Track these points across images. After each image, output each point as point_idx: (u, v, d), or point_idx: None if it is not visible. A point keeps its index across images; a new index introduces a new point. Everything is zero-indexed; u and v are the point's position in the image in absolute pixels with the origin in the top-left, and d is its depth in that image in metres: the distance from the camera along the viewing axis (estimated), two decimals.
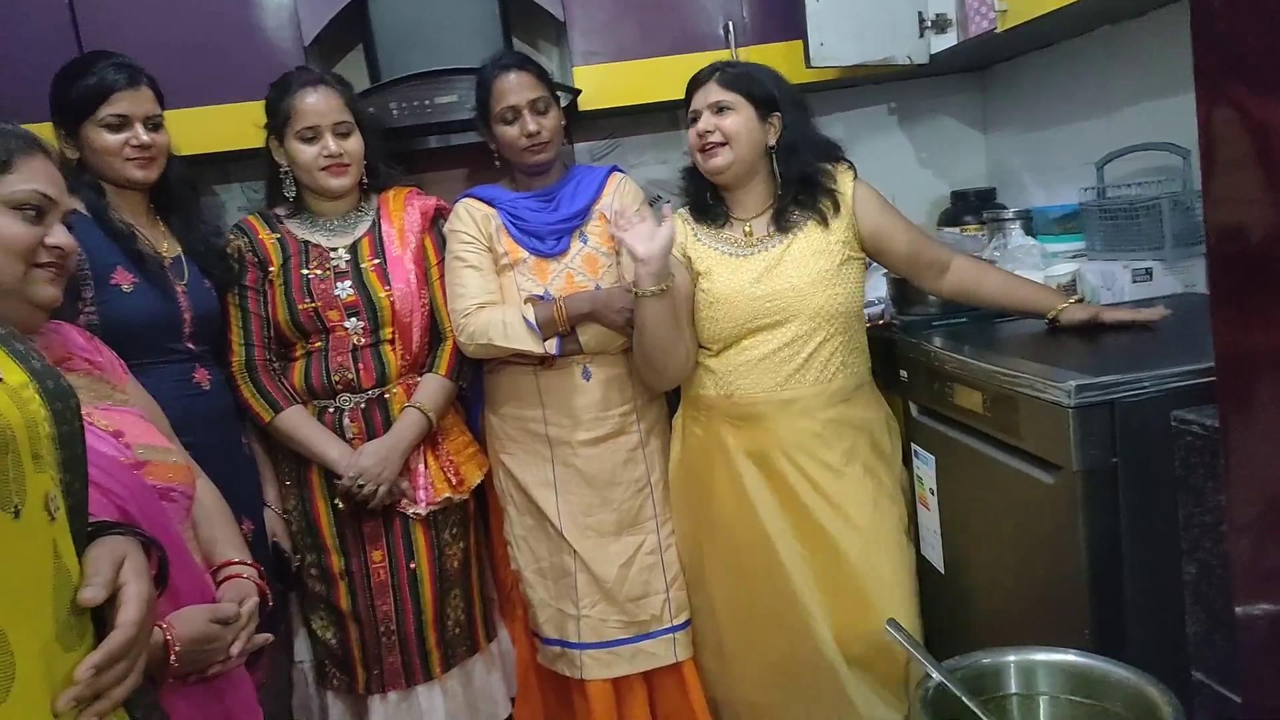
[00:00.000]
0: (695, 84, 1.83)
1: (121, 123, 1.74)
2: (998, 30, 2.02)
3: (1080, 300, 1.81)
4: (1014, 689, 1.22)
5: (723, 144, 1.75)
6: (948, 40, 2.29)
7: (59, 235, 1.11)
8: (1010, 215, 2.43)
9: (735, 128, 1.75)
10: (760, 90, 1.77)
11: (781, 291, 1.75)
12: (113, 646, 0.83)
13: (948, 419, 1.75)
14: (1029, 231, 2.35)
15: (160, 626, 1.00)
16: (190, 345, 1.79)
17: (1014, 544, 1.57)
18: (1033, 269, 2.11)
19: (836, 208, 1.79)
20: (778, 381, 1.77)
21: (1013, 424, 1.49)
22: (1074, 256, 2.17)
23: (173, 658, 1.00)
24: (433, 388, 1.96)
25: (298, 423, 1.91)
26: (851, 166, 1.86)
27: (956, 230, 2.61)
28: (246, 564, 1.28)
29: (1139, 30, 2.09)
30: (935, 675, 1.18)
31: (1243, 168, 0.94)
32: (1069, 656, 1.18)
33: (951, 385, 1.69)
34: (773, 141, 1.79)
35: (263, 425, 1.91)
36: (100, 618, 0.85)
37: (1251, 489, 0.99)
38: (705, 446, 1.88)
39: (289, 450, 1.94)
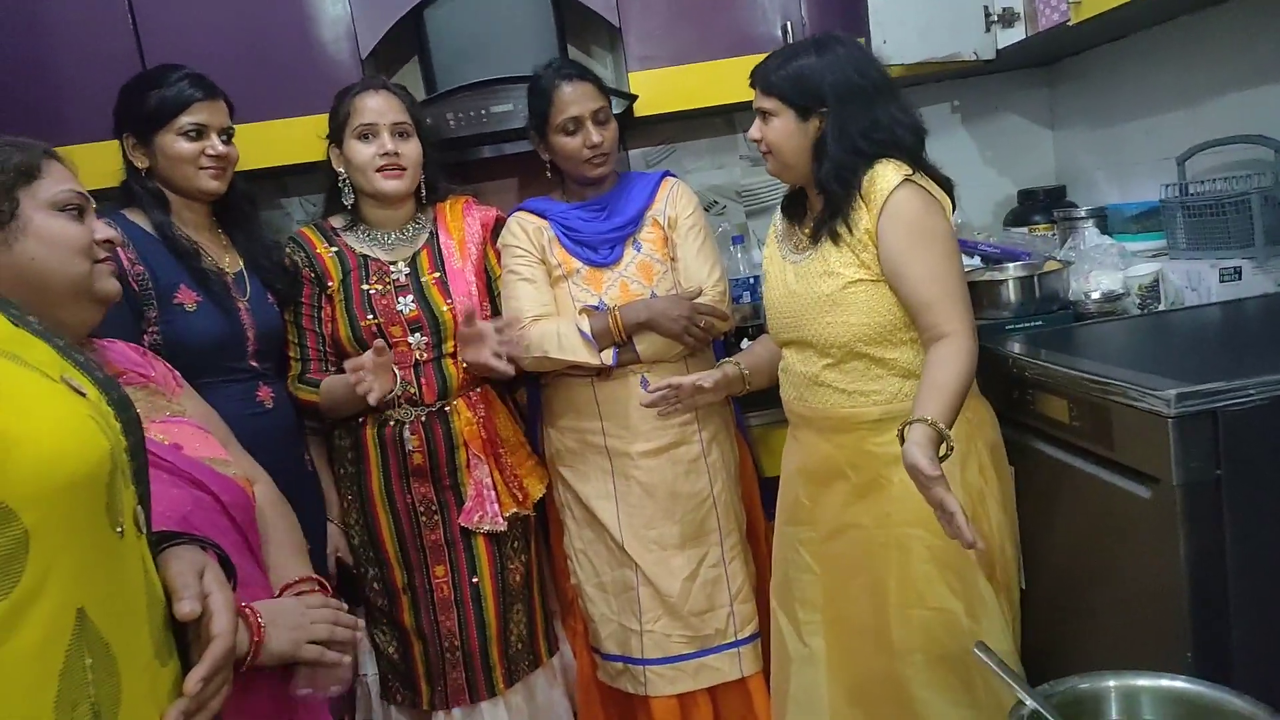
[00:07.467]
0: (750, 82, 1.68)
1: (199, 132, 1.75)
2: (1071, 23, 1.94)
3: (935, 432, 1.34)
4: (1115, 717, 1.14)
5: (768, 152, 1.64)
6: (1015, 35, 2.21)
7: (103, 229, 1.16)
8: (1084, 214, 2.34)
9: (774, 137, 1.61)
10: (798, 92, 1.57)
11: (793, 310, 1.63)
12: (216, 657, 0.82)
13: (1027, 427, 1.67)
14: (1104, 230, 2.27)
15: (249, 610, 1.00)
16: (254, 363, 1.79)
17: (1105, 561, 1.49)
18: (1112, 269, 2.03)
19: (848, 223, 1.55)
20: (799, 395, 1.67)
21: (1104, 434, 1.42)
22: (1154, 256, 2.08)
23: (258, 639, 1.00)
24: None
25: (336, 381, 1.87)
26: (907, 165, 1.54)
27: (1025, 230, 2.53)
28: (312, 578, 1.25)
29: (1221, 18, 1.99)
30: (1029, 702, 1.11)
31: None
32: (1177, 683, 1.09)
33: (1033, 393, 1.62)
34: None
35: (320, 408, 1.90)
36: (178, 628, 0.84)
37: None
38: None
39: (349, 467, 1.94)
